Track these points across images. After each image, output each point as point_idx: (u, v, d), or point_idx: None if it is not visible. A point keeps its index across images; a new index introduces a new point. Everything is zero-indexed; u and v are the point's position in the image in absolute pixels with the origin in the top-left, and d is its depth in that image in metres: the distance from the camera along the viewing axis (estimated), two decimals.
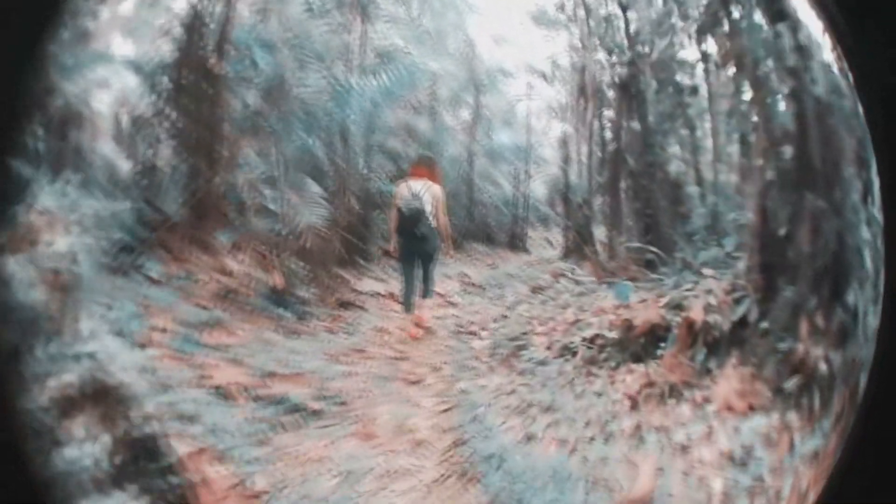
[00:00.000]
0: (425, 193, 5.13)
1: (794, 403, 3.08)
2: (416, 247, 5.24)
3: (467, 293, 6.89)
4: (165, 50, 5.44)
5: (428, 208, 5.10)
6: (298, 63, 6.70)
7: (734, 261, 4.82)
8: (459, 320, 5.63)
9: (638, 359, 4.35)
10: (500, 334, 4.97)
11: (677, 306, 4.52)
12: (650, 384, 4.02)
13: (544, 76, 11.00)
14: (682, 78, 7.92)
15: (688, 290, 4.67)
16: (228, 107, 6.01)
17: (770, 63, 3.98)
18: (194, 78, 5.67)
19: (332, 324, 5.27)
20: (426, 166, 5.45)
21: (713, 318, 4.08)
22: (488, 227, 11.78)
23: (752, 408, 3.41)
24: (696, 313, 4.18)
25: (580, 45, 9.53)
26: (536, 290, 6.08)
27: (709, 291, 4.40)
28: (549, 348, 4.61)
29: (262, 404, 3.72)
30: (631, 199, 7.89)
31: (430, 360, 4.61)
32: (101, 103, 4.50)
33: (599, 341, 4.48)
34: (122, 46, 4.89)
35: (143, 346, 4.02)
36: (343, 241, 7.04)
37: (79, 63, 3.54)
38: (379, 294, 6.31)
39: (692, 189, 7.37)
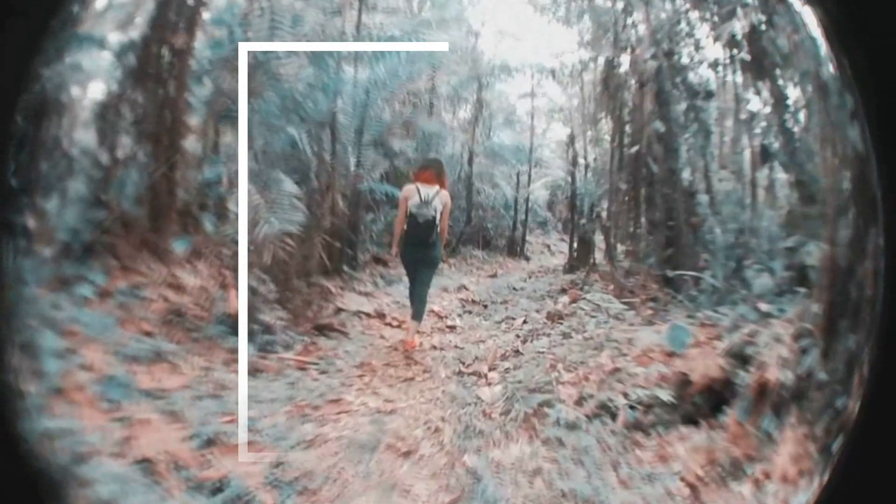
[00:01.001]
0: (436, 201, 4.64)
1: (831, 463, 2.20)
2: (422, 254, 4.72)
3: (468, 312, 5.72)
4: (135, 26, 4.44)
5: (438, 216, 4.64)
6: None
7: (792, 294, 3.83)
8: (461, 353, 4.40)
9: (690, 420, 3.26)
10: (513, 380, 3.74)
11: (739, 355, 3.39)
12: (712, 462, 2.91)
13: (552, 73, 9.92)
14: (703, 80, 6.92)
15: (750, 334, 3.53)
16: (196, 90, 4.90)
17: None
18: (159, 57, 4.60)
19: (304, 355, 4.08)
20: (434, 170, 4.83)
21: (785, 374, 3.03)
22: (486, 231, 10.73)
23: (801, 473, 2.70)
24: (773, 372, 3.08)
25: (594, 40, 8.49)
26: (555, 318, 4.90)
27: (778, 339, 3.27)
28: (579, 404, 3.43)
29: (196, 491, 2.55)
30: (650, 208, 6.86)
31: (426, 416, 3.38)
32: (76, 87, 3.90)
33: (646, 400, 3.32)
34: (96, 25, 3.99)
35: (59, 391, 2.90)
36: (326, 247, 5.95)
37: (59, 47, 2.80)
38: (364, 314, 5.13)
39: (706, 199, 6.37)
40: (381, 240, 7.89)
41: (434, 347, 4.61)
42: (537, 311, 5.43)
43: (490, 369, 4.08)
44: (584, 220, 8.93)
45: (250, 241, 4.12)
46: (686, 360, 3.56)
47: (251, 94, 5.07)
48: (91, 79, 4.12)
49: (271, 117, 5.44)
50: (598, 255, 8.14)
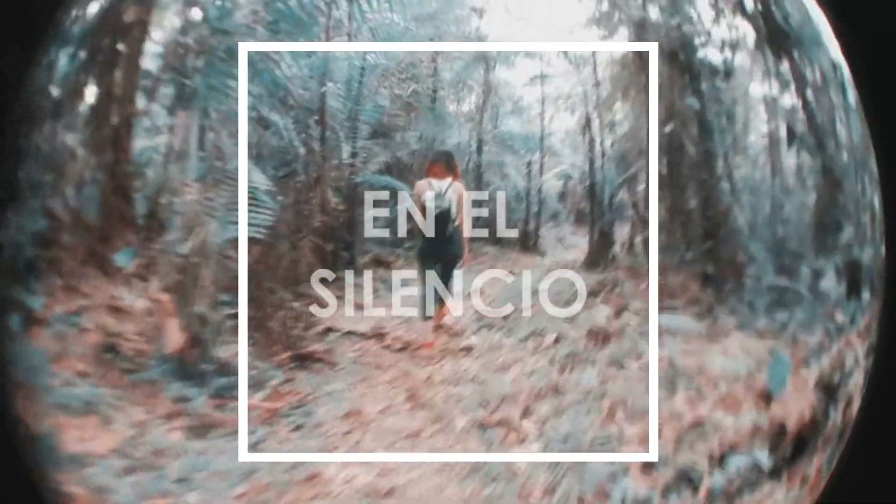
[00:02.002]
0: (450, 192, 4.41)
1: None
2: (440, 250, 4.53)
3: (485, 327, 4.64)
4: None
5: (454, 208, 4.42)
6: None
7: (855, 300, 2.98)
8: (482, 391, 3.33)
9: (774, 473, 2.41)
10: (557, 436, 2.68)
11: (829, 387, 2.56)
12: None
13: (564, 53, 8.81)
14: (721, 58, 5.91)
15: (836, 356, 2.65)
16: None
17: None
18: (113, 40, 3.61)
19: (274, 400, 3.04)
20: (444, 162, 4.61)
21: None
22: (496, 225, 9.66)
23: None
24: (855, 405, 2.48)
25: (606, 14, 7.41)
26: (600, 338, 3.82)
27: (857, 362, 2.57)
28: (646, 472, 2.38)
29: None
30: (684, 195, 5.84)
31: (438, 497, 2.33)
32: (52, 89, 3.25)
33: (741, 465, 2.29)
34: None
35: None
36: (316, 250, 4.95)
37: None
38: (358, 334, 4.08)
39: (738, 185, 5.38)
40: (383, 238, 6.85)
41: (445, 381, 3.51)
42: (569, 322, 4.35)
43: (523, 416, 2.99)
44: (605, 210, 7.90)
45: (188, 254, 3.06)
46: (780, 401, 2.55)
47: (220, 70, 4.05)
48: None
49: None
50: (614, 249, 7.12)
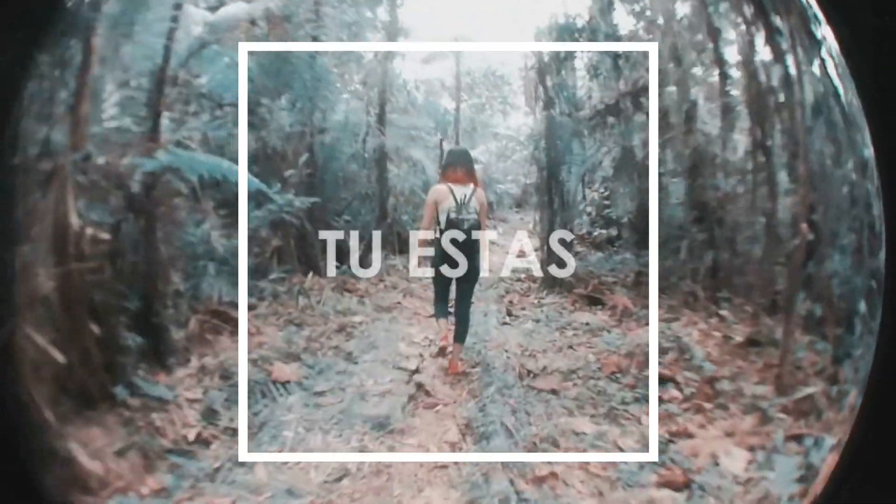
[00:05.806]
0: (473, 201, 3.46)
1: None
2: (463, 269, 3.44)
3: None
4: None
5: (477, 219, 3.46)
6: None
7: None
8: None
9: None
10: None
11: None
12: None
13: None
14: None
15: None
16: None
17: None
18: None
19: None
20: (465, 166, 3.53)
21: None
22: (400, 226, 6.69)
23: None
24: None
25: None
26: None
27: None
28: None
29: None
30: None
31: None
32: None
33: None
34: None
35: None
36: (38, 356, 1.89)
37: None
38: None
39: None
40: (228, 267, 3.75)
41: None
42: None
43: None
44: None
45: None
46: None
47: None
48: None
49: None
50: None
